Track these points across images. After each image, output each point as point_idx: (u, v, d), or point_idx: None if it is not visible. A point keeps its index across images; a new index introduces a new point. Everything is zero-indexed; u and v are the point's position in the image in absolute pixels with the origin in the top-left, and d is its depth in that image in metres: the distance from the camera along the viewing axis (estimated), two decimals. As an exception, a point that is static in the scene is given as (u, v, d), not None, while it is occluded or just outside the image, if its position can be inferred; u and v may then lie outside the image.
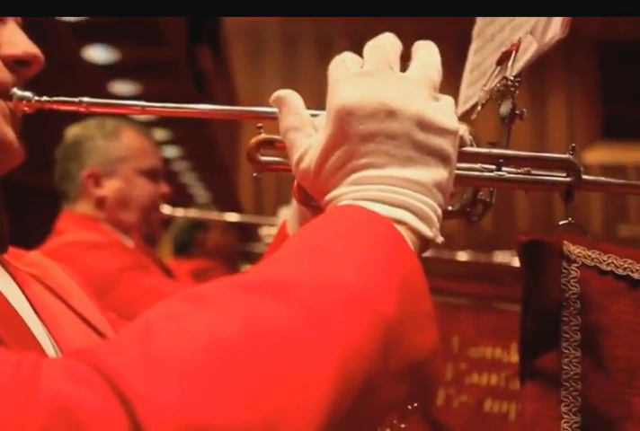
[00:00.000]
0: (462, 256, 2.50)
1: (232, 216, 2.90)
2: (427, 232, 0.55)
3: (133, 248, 1.93)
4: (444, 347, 2.08)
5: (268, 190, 8.61)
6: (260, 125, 0.63)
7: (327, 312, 0.45)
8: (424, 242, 0.56)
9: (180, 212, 2.49)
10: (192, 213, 2.69)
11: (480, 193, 0.66)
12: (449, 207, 0.65)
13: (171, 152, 7.31)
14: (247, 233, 3.37)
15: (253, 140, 0.63)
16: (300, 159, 0.59)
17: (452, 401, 2.09)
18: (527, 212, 8.26)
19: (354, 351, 0.45)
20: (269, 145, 0.63)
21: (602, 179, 0.64)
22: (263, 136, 0.63)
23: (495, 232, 7.62)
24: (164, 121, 6.52)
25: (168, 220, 2.78)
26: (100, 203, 1.87)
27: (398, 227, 0.54)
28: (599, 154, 8.29)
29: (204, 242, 3.23)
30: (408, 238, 0.54)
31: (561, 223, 0.64)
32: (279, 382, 0.41)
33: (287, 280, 0.47)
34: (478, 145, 0.64)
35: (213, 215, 2.90)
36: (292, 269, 0.48)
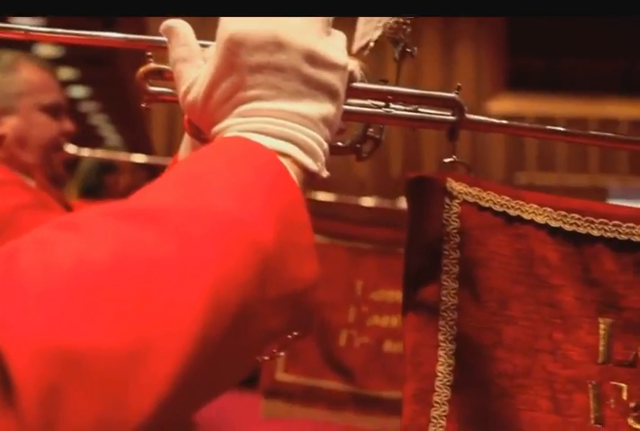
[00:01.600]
0: (367, 202, 2.55)
1: (141, 158, 2.84)
2: (311, 165, 0.56)
3: (35, 187, 1.88)
4: (347, 290, 2.13)
5: (181, 132, 8.45)
6: (149, 54, 0.62)
7: (202, 239, 0.45)
8: (309, 176, 0.56)
9: (86, 152, 2.42)
10: (99, 153, 2.62)
11: (370, 130, 0.67)
12: (340, 143, 0.67)
13: (78, 92, 7.07)
14: (159, 175, 3.30)
15: (142, 69, 0.62)
16: (187, 91, 0.58)
17: (354, 342, 2.15)
18: (434, 160, 8.42)
19: (228, 279, 0.45)
20: (158, 74, 0.62)
21: (485, 118, 0.66)
22: (152, 65, 0.62)
23: (403, 178, 7.74)
24: (70, 60, 6.27)
25: (75, 161, 2.70)
26: (-3, 141, 1.80)
27: (282, 160, 0.54)
28: (502, 105, 8.52)
29: (114, 185, 3.16)
30: (292, 170, 0.55)
31: (446, 160, 0.66)
32: (147, 309, 0.41)
33: (162, 207, 0.47)
34: (370, 82, 0.65)
35: (121, 155, 2.83)
36: (169, 196, 0.48)
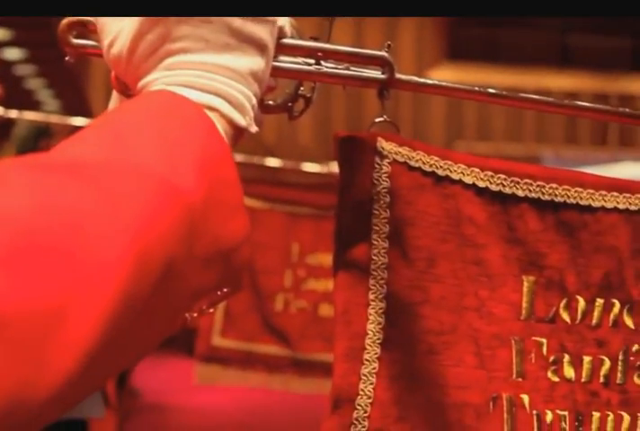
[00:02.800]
0: (309, 167, 2.54)
1: (78, 121, 2.75)
2: (239, 120, 0.55)
3: (-38, 150, 1.82)
4: (284, 254, 2.14)
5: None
6: (72, 5, 0.60)
7: (127, 195, 0.44)
8: (237, 131, 0.56)
9: (14, 113, 2.33)
10: (30, 115, 2.53)
11: (302, 89, 0.67)
12: (271, 102, 0.66)
13: (13, 54, 6.84)
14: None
15: (65, 21, 0.60)
16: (111, 44, 0.56)
17: (290, 307, 2.17)
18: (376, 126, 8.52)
19: (155, 237, 0.44)
20: (82, 27, 0.60)
21: (415, 78, 0.66)
22: (75, 17, 0.60)
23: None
24: (5, 20, 6.05)
25: (8, 125, 2.62)
26: None
27: (210, 114, 0.53)
28: (443, 74, 8.62)
29: (47, 149, 3.07)
30: (220, 125, 0.54)
31: (376, 120, 0.66)
32: (68, 265, 0.39)
33: (86, 161, 0.45)
34: (301, 39, 0.64)
35: (54, 118, 2.72)
36: (94, 151, 0.46)
